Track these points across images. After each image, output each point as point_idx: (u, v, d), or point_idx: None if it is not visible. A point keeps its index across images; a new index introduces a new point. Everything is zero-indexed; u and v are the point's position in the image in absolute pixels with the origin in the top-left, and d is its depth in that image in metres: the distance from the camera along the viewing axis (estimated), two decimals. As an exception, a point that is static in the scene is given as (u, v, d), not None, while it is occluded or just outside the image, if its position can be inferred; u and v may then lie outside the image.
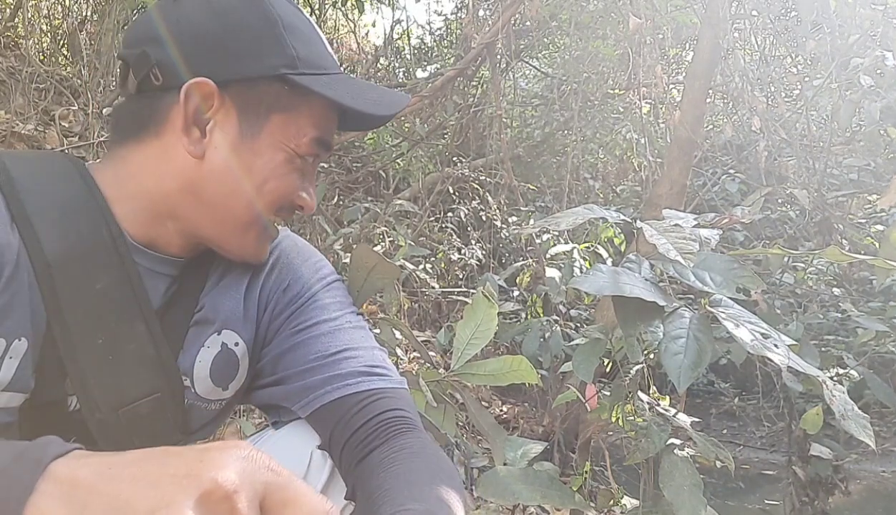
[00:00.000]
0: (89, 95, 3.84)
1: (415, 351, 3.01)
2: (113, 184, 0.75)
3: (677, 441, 1.45)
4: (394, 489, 0.65)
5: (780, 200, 4.42)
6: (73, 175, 0.75)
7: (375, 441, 0.75)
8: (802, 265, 4.24)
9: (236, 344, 0.82)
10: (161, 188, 0.75)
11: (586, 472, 1.90)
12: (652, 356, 1.51)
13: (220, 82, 0.73)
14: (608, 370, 1.83)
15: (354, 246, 3.28)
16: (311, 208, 0.81)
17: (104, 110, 3.59)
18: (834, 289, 4.29)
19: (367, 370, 0.81)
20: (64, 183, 0.74)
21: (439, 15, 6.81)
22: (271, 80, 0.74)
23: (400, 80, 5.91)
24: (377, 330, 1.59)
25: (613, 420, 1.63)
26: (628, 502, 1.88)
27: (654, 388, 1.75)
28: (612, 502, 1.90)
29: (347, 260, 3.00)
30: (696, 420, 1.67)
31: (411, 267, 3.27)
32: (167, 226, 0.77)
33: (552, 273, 3.07)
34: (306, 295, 0.85)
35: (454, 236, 4.49)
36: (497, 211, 4.56)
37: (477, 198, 4.87)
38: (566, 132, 5.51)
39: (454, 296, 3.85)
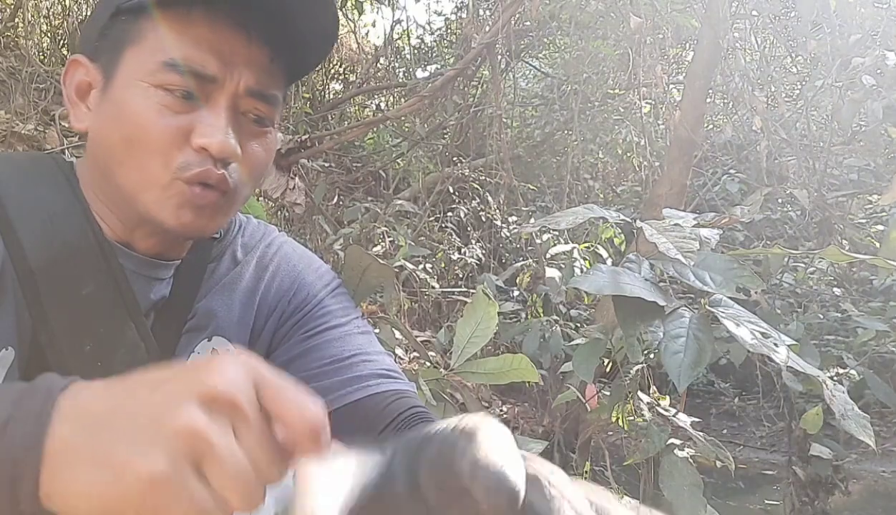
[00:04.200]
0: (89, 95, 3.83)
1: (415, 350, 3.01)
2: (86, 185, 0.74)
3: (677, 442, 1.45)
4: None
5: (780, 200, 4.43)
6: (58, 177, 0.73)
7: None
8: (802, 265, 4.24)
9: (227, 352, 0.81)
10: (95, 178, 0.72)
11: (586, 472, 1.90)
12: (652, 356, 1.51)
13: (90, 53, 0.71)
14: (608, 370, 1.83)
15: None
16: (219, 147, 0.66)
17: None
18: (834, 289, 4.29)
19: (385, 372, 0.80)
20: (48, 186, 0.72)
21: (439, 15, 6.80)
22: (113, 23, 0.69)
23: (400, 80, 5.92)
24: (377, 330, 1.59)
25: (613, 420, 1.63)
26: (628, 502, 1.88)
27: (654, 388, 1.75)
28: (612, 502, 1.90)
29: (347, 260, 2.99)
30: (696, 420, 1.67)
31: (411, 267, 3.27)
32: (125, 218, 0.73)
33: (552, 273, 3.07)
34: (313, 301, 0.84)
35: (454, 236, 4.49)
36: (497, 211, 4.56)
37: (477, 198, 4.87)
38: (566, 132, 5.51)
39: (454, 296, 3.85)
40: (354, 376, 0.79)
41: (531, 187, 5.45)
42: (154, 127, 0.66)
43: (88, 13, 4.59)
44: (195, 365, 0.41)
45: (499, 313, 1.25)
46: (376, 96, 6.25)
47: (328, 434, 0.42)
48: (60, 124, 3.63)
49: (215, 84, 0.67)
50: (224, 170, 0.68)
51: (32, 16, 4.36)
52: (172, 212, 0.67)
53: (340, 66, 6.28)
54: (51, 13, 4.62)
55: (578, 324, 3.42)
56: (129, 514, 0.39)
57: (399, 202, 3.91)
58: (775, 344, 1.00)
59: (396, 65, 6.19)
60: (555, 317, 3.15)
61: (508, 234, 4.59)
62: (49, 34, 4.64)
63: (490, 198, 4.68)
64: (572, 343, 2.54)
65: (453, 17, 6.22)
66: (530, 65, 6.20)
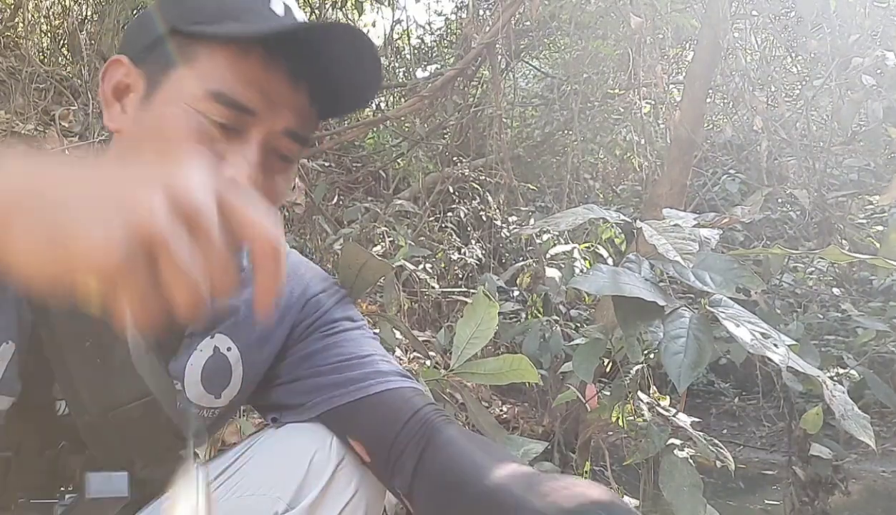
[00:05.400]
0: (89, 95, 3.84)
1: (415, 350, 3.02)
2: None
3: (677, 442, 1.45)
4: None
5: (780, 200, 4.42)
6: None
7: (425, 439, 0.76)
8: (802, 265, 4.24)
9: (228, 349, 0.81)
10: None
11: (586, 472, 1.90)
12: (652, 356, 1.51)
13: (135, 57, 0.72)
14: (608, 370, 1.83)
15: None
16: (245, 182, 0.68)
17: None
18: (834, 289, 4.29)
19: (402, 372, 0.84)
20: None
21: (439, 15, 6.80)
22: (169, 39, 0.70)
23: (400, 80, 5.91)
24: (377, 330, 1.59)
25: (613, 420, 1.63)
26: (628, 502, 1.88)
27: (654, 388, 1.75)
28: (612, 502, 1.90)
29: (347, 260, 2.99)
30: (696, 420, 1.67)
31: (411, 267, 3.26)
32: None
33: (552, 273, 3.07)
34: (322, 309, 0.87)
35: (454, 236, 4.49)
36: (497, 211, 4.56)
37: (477, 198, 4.86)
38: (566, 132, 5.51)
39: (454, 296, 3.85)
40: (375, 371, 0.82)
41: (531, 187, 5.44)
42: (185, 139, 0.67)
43: (89, 13, 4.59)
44: (163, 163, 0.42)
45: (499, 313, 1.25)
46: (376, 96, 6.24)
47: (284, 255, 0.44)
48: (60, 124, 3.63)
49: (254, 119, 0.68)
50: None
51: (32, 16, 4.36)
52: None
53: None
54: (51, 13, 4.62)
55: (578, 324, 3.42)
56: (68, 280, 0.38)
57: (399, 202, 3.91)
58: (775, 345, 1.00)
59: (396, 65, 6.19)
60: (555, 317, 3.14)
61: (508, 234, 4.58)
62: (49, 34, 4.63)
63: (490, 198, 4.67)
64: (572, 343, 2.53)
65: (453, 17, 6.22)
66: (530, 65, 6.19)
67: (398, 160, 5.33)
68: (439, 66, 6.05)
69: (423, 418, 0.78)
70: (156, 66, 0.70)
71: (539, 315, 3.30)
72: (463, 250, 4.26)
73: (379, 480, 0.80)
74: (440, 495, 0.73)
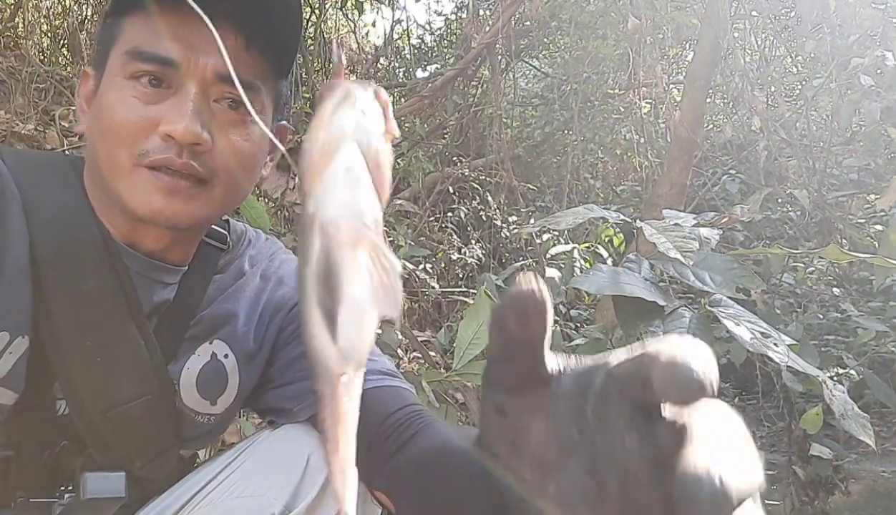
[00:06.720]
0: (89, 95, 3.83)
1: (415, 351, 3.02)
2: (88, 186, 0.76)
3: (677, 441, 1.45)
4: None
5: (780, 200, 4.42)
6: (71, 178, 0.75)
7: (409, 431, 0.74)
8: (802, 265, 4.24)
9: (226, 356, 0.81)
10: (93, 178, 0.75)
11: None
12: (652, 356, 1.51)
13: (95, 65, 0.75)
14: (608, 370, 1.83)
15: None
16: (182, 133, 0.67)
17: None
18: (834, 289, 4.29)
19: (387, 371, 0.82)
20: (60, 184, 0.74)
21: (439, 15, 6.79)
22: (103, 28, 0.74)
23: (400, 80, 5.91)
24: (379, 331, 1.59)
25: (613, 420, 1.63)
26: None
27: (654, 388, 1.75)
28: (612, 502, 1.90)
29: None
30: (697, 420, 1.66)
31: (411, 267, 3.27)
32: (123, 214, 0.73)
33: (552, 273, 3.07)
34: None
35: (454, 236, 4.49)
36: (497, 211, 4.56)
37: (477, 197, 4.86)
38: (566, 132, 5.51)
39: (454, 296, 3.85)
40: None
41: (531, 187, 5.44)
42: (121, 117, 0.68)
43: (89, 13, 4.59)
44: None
45: (499, 313, 1.25)
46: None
47: None
48: (60, 124, 3.63)
49: (178, 70, 0.68)
50: (192, 160, 0.68)
51: (32, 16, 4.36)
52: (141, 199, 0.69)
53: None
54: (51, 13, 4.62)
55: (578, 324, 3.42)
56: None
57: (399, 202, 3.91)
58: (775, 344, 1.00)
59: (396, 65, 6.19)
60: (555, 317, 3.14)
61: (508, 234, 4.58)
62: (49, 34, 4.63)
63: (490, 198, 4.68)
64: (572, 343, 2.53)
65: (453, 17, 6.22)
66: (530, 65, 6.20)
67: (398, 160, 5.33)
68: (439, 66, 6.05)
69: (407, 414, 0.75)
70: (101, 58, 0.73)
71: (539, 315, 3.29)
72: (463, 250, 4.26)
73: (363, 482, 0.79)
74: (420, 483, 0.71)
